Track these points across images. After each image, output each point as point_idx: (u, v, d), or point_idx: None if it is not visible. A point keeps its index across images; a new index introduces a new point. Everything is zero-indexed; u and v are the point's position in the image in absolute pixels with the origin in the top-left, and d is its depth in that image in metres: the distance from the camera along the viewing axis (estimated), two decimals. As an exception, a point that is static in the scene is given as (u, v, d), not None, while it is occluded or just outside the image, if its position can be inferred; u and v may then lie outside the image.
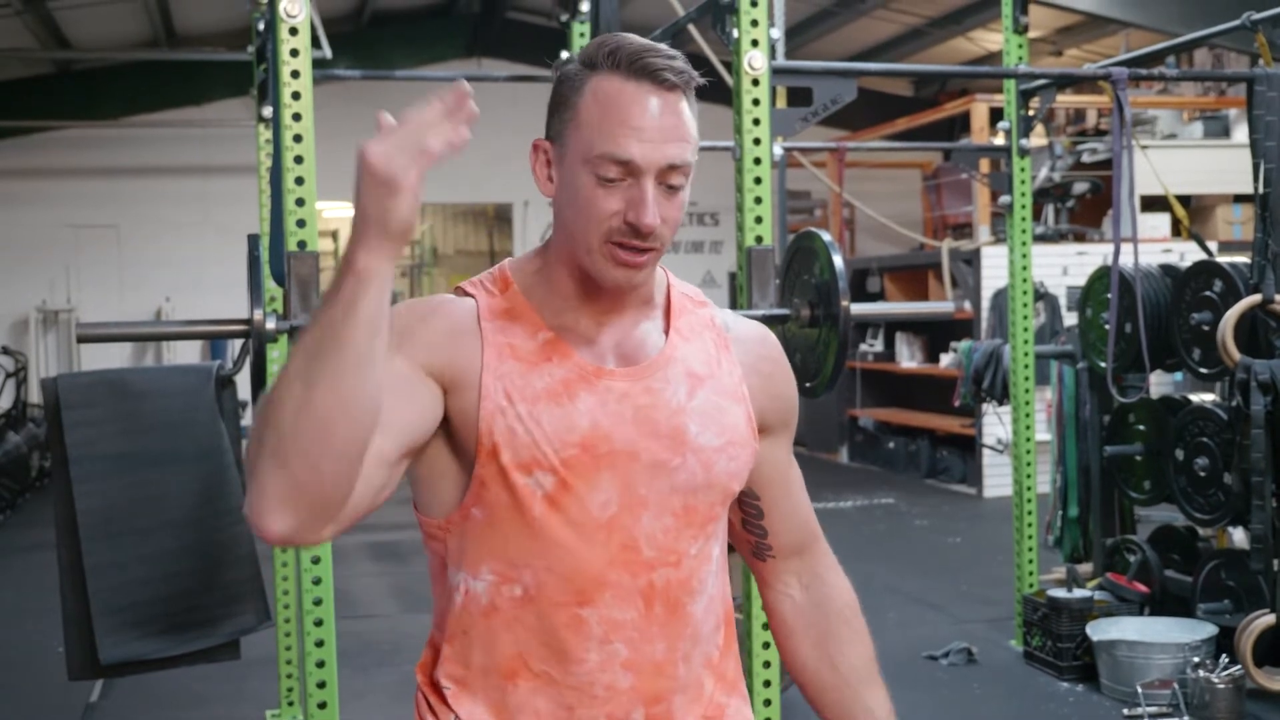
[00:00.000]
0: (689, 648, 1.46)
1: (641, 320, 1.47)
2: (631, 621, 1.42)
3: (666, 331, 1.48)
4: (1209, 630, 4.42)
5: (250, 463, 1.22)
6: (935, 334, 9.82)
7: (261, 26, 3.88)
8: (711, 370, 1.48)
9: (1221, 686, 4.01)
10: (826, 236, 3.19)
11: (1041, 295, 7.84)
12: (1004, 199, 5.02)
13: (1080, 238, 8.86)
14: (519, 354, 1.41)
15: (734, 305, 3.00)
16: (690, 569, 1.45)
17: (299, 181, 2.82)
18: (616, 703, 1.42)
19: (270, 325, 2.86)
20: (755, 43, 3.08)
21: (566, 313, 1.44)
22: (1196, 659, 4.20)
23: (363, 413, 1.22)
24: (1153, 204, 8.30)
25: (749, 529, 1.61)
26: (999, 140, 5.21)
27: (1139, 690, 4.21)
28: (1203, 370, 4.61)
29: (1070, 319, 7.56)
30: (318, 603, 2.88)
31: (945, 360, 9.32)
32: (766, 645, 3.01)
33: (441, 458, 1.43)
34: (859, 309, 3.21)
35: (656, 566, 1.42)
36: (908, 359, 10.06)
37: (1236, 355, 4.22)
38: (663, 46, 1.41)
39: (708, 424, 1.45)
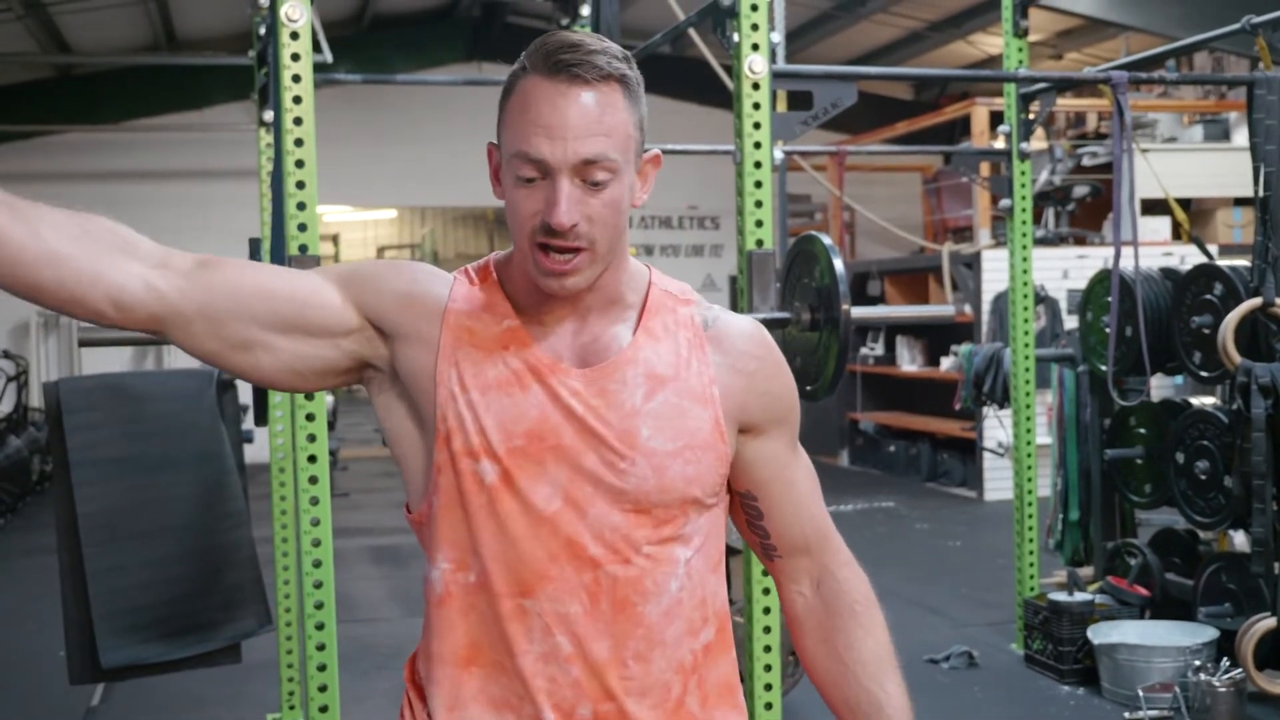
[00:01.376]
0: (643, 649, 1.44)
1: (611, 321, 1.46)
2: (575, 616, 1.41)
3: (635, 332, 1.46)
4: (1210, 634, 4.41)
5: None
6: (936, 337, 9.82)
7: (262, 31, 3.88)
8: (677, 372, 1.46)
9: (1222, 690, 4.00)
10: (827, 240, 3.20)
11: (1042, 299, 7.82)
12: (1004, 202, 5.02)
13: (1080, 241, 8.86)
14: (477, 340, 1.43)
15: (734, 309, 3.00)
16: (643, 569, 1.43)
17: (300, 185, 2.82)
18: (561, 696, 1.42)
19: (271, 329, 2.86)
20: (756, 46, 3.08)
21: (533, 307, 1.45)
22: (1197, 662, 4.20)
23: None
24: (1153, 207, 8.30)
25: (752, 529, 1.59)
26: (999, 144, 5.22)
27: (1140, 694, 4.21)
28: (1203, 373, 4.61)
29: (1071, 322, 7.56)
30: (319, 606, 2.87)
31: (946, 364, 9.32)
32: (768, 649, 3.00)
33: (411, 440, 1.47)
34: (859, 312, 3.21)
35: (602, 564, 1.42)
36: (908, 362, 10.06)
37: (1237, 358, 4.22)
38: (591, 40, 1.39)
39: (663, 427, 1.43)
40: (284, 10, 2.76)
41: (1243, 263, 4.53)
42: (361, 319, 1.44)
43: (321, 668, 2.87)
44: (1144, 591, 4.88)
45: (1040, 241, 8.38)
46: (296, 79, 2.79)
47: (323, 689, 2.86)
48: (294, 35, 2.78)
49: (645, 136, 1.44)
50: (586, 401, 1.42)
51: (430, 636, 1.47)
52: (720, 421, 1.47)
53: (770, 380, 1.53)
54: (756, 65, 3.08)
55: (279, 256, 2.94)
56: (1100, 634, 4.55)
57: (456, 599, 1.44)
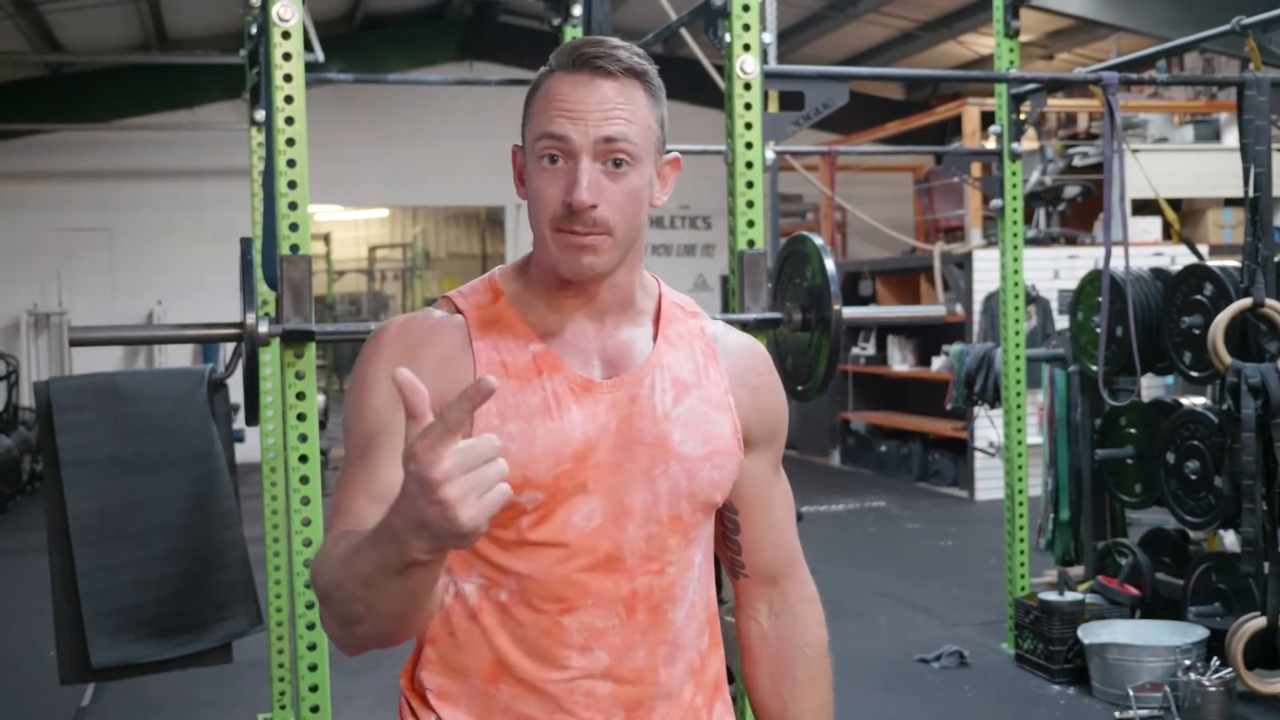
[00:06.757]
0: (670, 654, 1.46)
1: (629, 327, 1.47)
2: (613, 629, 1.42)
3: (655, 339, 1.48)
4: (1200, 633, 4.43)
5: (324, 622, 1.32)
6: (927, 337, 9.83)
7: (254, 30, 3.88)
8: (699, 379, 1.48)
9: (1212, 689, 4.02)
10: (818, 240, 3.20)
11: (1033, 299, 7.87)
12: (995, 203, 5.03)
13: (1071, 241, 8.88)
14: (511, 370, 1.42)
15: (726, 309, 3.00)
16: (673, 576, 1.45)
17: (292, 185, 2.81)
18: (597, 709, 1.43)
19: (263, 329, 2.85)
20: (747, 47, 3.08)
21: (551, 319, 1.45)
22: (1187, 662, 4.21)
23: (423, 614, 1.29)
24: (1143, 208, 8.31)
25: (726, 543, 1.60)
26: (990, 144, 5.23)
27: (1130, 693, 4.22)
28: (1193, 374, 4.62)
29: (1062, 322, 7.57)
30: (310, 606, 2.87)
31: (937, 364, 9.33)
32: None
33: None
34: (851, 313, 3.21)
35: (638, 575, 1.43)
36: (899, 362, 10.07)
37: (1227, 359, 4.23)
38: (614, 40, 1.43)
39: (692, 432, 1.45)
40: (275, 9, 2.76)
41: (1233, 263, 4.54)
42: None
43: (313, 668, 2.86)
44: (1134, 591, 4.89)
45: (1031, 242, 8.39)
46: (288, 78, 2.79)
47: (314, 689, 2.86)
48: (285, 35, 2.78)
49: (666, 139, 1.46)
50: (620, 411, 1.43)
51: (454, 650, 1.45)
52: (737, 428, 1.50)
53: (769, 397, 1.57)
54: (748, 65, 3.08)
55: (270, 256, 2.94)
56: (1091, 633, 4.56)
57: (488, 615, 1.43)
